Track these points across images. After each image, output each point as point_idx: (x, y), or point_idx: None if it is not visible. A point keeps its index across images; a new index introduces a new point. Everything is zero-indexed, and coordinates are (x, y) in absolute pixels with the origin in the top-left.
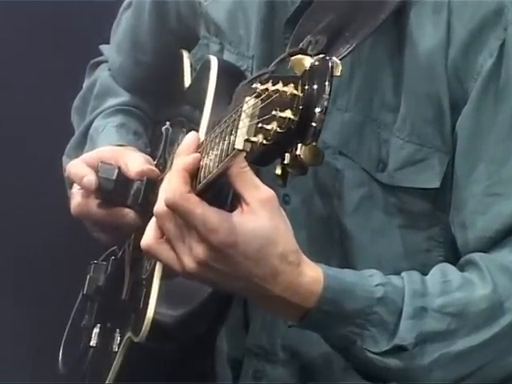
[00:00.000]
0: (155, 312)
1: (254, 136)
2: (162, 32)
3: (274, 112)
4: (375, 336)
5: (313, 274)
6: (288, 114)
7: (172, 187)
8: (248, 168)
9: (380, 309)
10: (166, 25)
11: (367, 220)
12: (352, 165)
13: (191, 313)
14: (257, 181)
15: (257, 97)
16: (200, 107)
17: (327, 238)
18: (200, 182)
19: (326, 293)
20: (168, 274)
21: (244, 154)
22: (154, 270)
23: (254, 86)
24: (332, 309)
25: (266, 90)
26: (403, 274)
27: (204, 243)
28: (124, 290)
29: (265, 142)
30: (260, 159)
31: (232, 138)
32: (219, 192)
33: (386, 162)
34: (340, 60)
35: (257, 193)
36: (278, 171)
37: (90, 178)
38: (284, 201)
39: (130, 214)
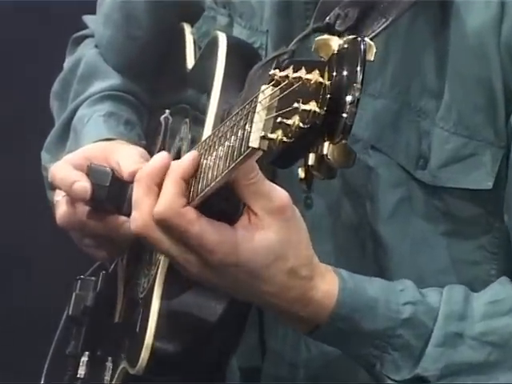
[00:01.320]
0: (155, 338)
1: (272, 132)
2: (160, 1)
3: (295, 104)
4: (397, 361)
5: (327, 287)
6: (312, 106)
7: (164, 200)
8: (258, 177)
9: (405, 331)
10: None
11: (405, 227)
12: (387, 161)
13: (198, 339)
14: (268, 188)
15: (275, 85)
16: (206, 92)
17: (358, 250)
18: (204, 189)
19: (339, 309)
20: (170, 292)
21: (260, 153)
22: (153, 287)
23: (271, 72)
24: (345, 326)
25: (286, 77)
26: (445, 289)
27: (200, 262)
28: (117, 311)
29: (285, 139)
30: (279, 160)
31: (246, 134)
32: (227, 197)
33: (428, 157)
34: (374, 37)
35: (267, 202)
36: (302, 174)
37: (84, 185)
38: (306, 205)
39: (126, 223)
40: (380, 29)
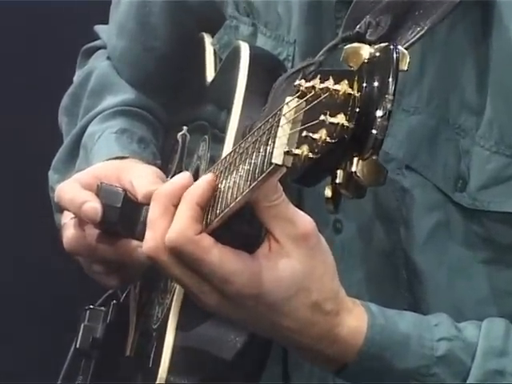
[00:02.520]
0: (169, 373)
1: (297, 147)
2: (179, 9)
3: (322, 117)
4: None
5: (355, 323)
6: (341, 119)
7: (177, 226)
8: (281, 199)
9: (440, 370)
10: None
11: (442, 254)
12: (423, 183)
13: (215, 374)
14: (292, 212)
15: (300, 97)
16: (227, 108)
17: (391, 278)
18: (223, 210)
19: (368, 347)
20: (186, 323)
21: (284, 170)
22: (167, 317)
23: (296, 83)
24: (376, 365)
25: (313, 88)
26: (484, 322)
27: (216, 293)
28: (128, 343)
29: (311, 155)
30: (304, 178)
31: (268, 149)
32: (247, 222)
33: (467, 178)
34: (408, 47)
35: (290, 228)
36: (328, 193)
37: (94, 205)
38: (335, 229)
39: (139, 248)
40: (415, 38)
